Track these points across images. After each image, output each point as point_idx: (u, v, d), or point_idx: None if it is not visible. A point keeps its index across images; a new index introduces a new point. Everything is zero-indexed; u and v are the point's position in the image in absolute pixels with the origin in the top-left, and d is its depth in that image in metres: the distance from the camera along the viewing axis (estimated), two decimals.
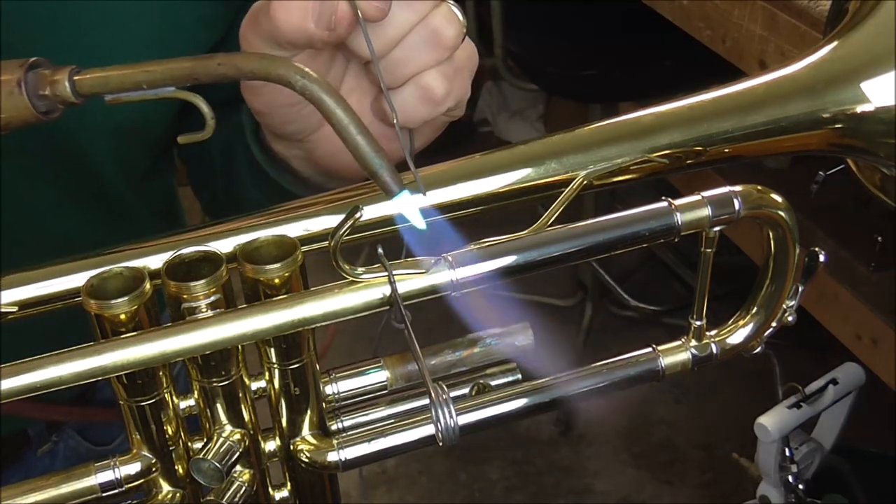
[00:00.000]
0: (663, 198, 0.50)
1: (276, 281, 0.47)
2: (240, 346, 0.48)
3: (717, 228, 0.51)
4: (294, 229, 0.50)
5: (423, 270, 0.47)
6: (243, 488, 0.51)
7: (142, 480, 0.50)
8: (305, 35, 0.50)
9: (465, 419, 0.50)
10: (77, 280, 0.47)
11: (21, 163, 0.68)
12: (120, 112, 0.64)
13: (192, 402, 0.50)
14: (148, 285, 0.46)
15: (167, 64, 0.44)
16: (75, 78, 0.44)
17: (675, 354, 0.55)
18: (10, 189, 0.69)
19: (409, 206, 0.46)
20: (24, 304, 0.47)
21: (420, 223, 0.47)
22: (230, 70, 0.44)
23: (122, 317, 0.45)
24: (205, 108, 0.45)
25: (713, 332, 0.56)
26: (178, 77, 0.44)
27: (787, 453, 1.16)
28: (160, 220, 0.82)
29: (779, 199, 0.52)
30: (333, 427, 0.53)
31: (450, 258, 0.47)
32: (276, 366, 0.50)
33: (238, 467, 0.52)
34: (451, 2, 0.54)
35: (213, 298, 0.46)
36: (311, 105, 0.55)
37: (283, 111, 0.56)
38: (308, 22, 0.50)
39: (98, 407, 0.86)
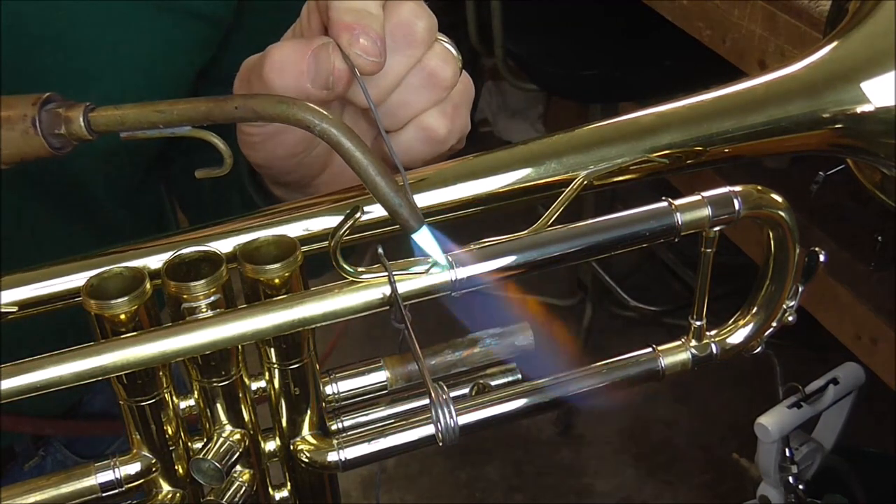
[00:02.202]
0: (663, 198, 0.50)
1: (276, 281, 0.47)
2: (240, 346, 0.48)
3: (717, 228, 0.51)
4: (294, 229, 0.50)
5: (423, 270, 0.47)
6: (243, 488, 0.51)
7: (142, 480, 0.50)
8: (302, 96, 0.49)
9: (465, 419, 0.50)
10: (77, 280, 0.47)
11: (9, 181, 0.68)
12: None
13: (192, 402, 0.50)
14: (148, 285, 0.46)
15: (183, 104, 0.44)
16: (90, 115, 0.44)
17: (675, 354, 0.55)
18: None
19: (429, 242, 0.46)
20: (24, 304, 0.47)
21: (441, 259, 0.46)
22: (247, 113, 0.43)
23: (122, 317, 0.45)
24: (222, 146, 0.45)
25: (713, 332, 0.56)
26: (194, 118, 0.44)
27: (788, 453, 1.16)
28: (151, 233, 0.81)
29: (779, 199, 0.52)
30: (333, 427, 0.53)
31: (450, 258, 0.47)
32: (276, 366, 0.50)
33: (238, 467, 0.52)
34: (445, 39, 0.53)
35: (213, 298, 0.46)
36: (311, 156, 0.55)
37: (283, 163, 0.55)
38: (304, 83, 0.49)
39: (87, 420, 0.85)
